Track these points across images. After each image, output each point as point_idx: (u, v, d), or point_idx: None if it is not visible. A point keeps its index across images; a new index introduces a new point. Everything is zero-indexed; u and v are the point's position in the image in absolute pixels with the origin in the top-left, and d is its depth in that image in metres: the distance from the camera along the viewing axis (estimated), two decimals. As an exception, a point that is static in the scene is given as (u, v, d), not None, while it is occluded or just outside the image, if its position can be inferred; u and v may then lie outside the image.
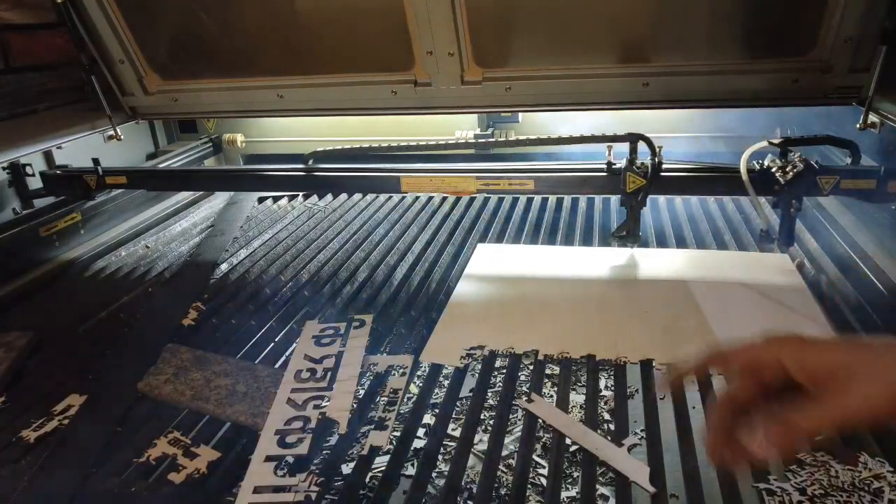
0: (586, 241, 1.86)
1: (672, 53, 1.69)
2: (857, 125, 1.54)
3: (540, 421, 1.07)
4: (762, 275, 1.54)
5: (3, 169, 1.86)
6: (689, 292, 1.48)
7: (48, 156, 2.00)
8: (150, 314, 1.54)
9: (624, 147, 1.61)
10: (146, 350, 1.34)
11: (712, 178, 1.62)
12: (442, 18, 1.68)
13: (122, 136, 2.10)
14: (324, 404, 1.12)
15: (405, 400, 1.15)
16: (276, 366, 1.27)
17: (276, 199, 2.33)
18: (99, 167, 1.94)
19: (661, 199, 2.04)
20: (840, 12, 1.47)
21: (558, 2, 1.63)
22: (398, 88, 1.86)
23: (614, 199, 2.07)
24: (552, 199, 2.11)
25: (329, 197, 2.30)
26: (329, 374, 1.21)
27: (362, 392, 1.17)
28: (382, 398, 1.15)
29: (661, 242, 1.80)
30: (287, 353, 1.32)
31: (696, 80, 1.69)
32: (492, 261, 1.72)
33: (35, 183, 1.94)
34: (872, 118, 1.51)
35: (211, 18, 1.85)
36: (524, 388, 1.17)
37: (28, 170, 1.91)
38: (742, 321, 1.34)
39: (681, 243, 1.79)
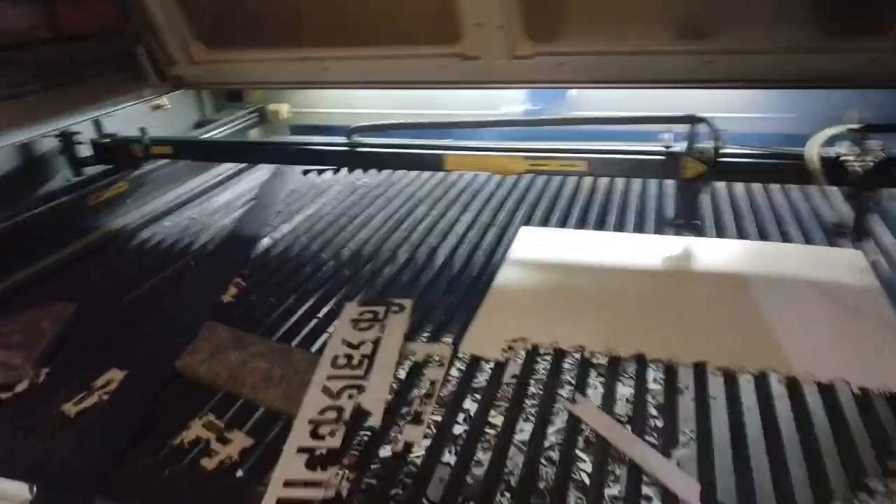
0: (639, 226, 1.76)
1: (738, 29, 1.55)
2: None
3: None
4: (831, 272, 1.42)
5: (56, 137, 1.87)
6: (749, 289, 1.38)
7: (97, 125, 2.01)
8: (191, 288, 1.54)
9: (677, 129, 1.51)
10: (185, 325, 1.34)
11: (779, 167, 1.51)
12: (491, -10, 1.59)
13: (168, 106, 2.09)
14: (359, 394, 1.09)
15: (442, 392, 1.10)
16: (314, 349, 1.25)
17: (320, 171, 2.29)
18: (145, 136, 1.94)
19: (721, 184, 1.92)
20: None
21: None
22: (446, 62, 1.78)
23: (670, 183, 1.95)
24: (603, 180, 2.01)
25: (373, 171, 2.26)
26: (366, 361, 1.17)
27: (399, 382, 1.14)
28: (419, 390, 1.11)
29: (721, 231, 1.69)
30: (324, 337, 1.29)
31: (763, 58, 1.55)
32: (536, 245, 1.65)
33: (85, 151, 1.96)
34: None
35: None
36: (568, 387, 1.11)
37: (78, 138, 1.93)
38: (806, 323, 1.24)
39: (742, 233, 1.67)
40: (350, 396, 1.08)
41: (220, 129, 2.48)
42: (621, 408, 1.06)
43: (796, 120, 2.08)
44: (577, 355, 1.19)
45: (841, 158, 1.42)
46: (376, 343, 1.22)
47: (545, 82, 1.80)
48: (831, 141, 1.47)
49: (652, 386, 1.11)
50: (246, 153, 2.09)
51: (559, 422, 1.03)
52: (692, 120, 1.51)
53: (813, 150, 1.43)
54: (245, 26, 1.95)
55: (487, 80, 1.80)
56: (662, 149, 1.53)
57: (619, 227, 1.76)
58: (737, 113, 2.15)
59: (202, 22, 1.97)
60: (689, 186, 1.50)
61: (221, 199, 2.13)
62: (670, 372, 1.14)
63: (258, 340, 1.26)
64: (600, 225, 1.77)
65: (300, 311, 1.40)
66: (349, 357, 1.18)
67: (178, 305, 1.46)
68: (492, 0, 1.62)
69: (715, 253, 1.55)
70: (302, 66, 1.95)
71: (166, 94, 2.07)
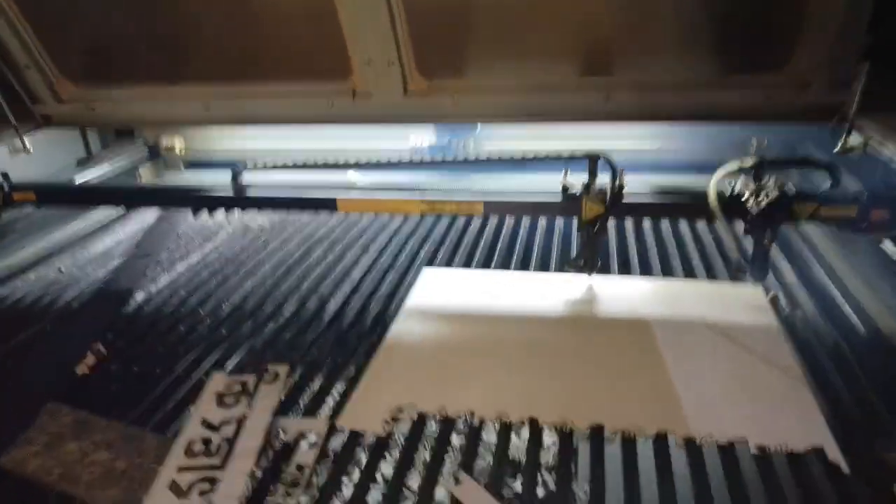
0: (544, 263, 1.69)
1: (637, 65, 1.53)
2: (837, 147, 1.39)
3: (465, 510, 0.91)
4: (731, 311, 1.38)
5: None
6: (651, 335, 1.32)
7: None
8: (41, 359, 1.35)
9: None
10: (24, 408, 1.16)
11: (680, 205, 1.47)
12: (378, 25, 1.50)
13: (31, 150, 1.89)
14: (212, 490, 0.94)
15: (312, 481, 0.98)
16: (170, 432, 1.09)
17: (211, 211, 2.13)
18: (5, 183, 1.74)
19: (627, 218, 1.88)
20: (818, 26, 1.32)
21: (510, 7, 1.46)
22: (336, 99, 1.68)
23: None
24: (509, 217, 1.93)
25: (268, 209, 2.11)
26: (226, 445, 1.03)
27: (262, 470, 1.00)
28: (286, 477, 0.98)
29: (625, 267, 1.64)
30: (187, 415, 1.14)
31: (663, 94, 1.53)
32: (436, 290, 1.55)
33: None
34: (855, 139, 1.36)
35: (127, 21, 1.65)
36: (455, 459, 1.01)
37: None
38: (706, 375, 1.18)
39: (645, 269, 1.63)
40: (202, 493, 0.94)
41: (107, 168, 2.30)
42: (510, 483, 0.96)
43: (706, 149, 2.07)
44: (466, 422, 1.09)
45: (738, 195, 1.39)
46: (241, 422, 1.08)
47: (441, 119, 1.73)
48: (730, 176, 1.44)
49: (545, 455, 1.02)
50: (121, 198, 1.89)
51: (442, 506, 0.93)
52: (593, 158, 1.45)
53: (711, 188, 1.39)
54: (117, 62, 1.80)
55: (381, 116, 1.71)
56: (561, 189, 1.46)
57: (524, 264, 1.68)
58: (647, 141, 2.13)
59: (68, 57, 1.81)
60: (590, 229, 1.43)
61: (99, 246, 1.93)
62: (565, 438, 1.05)
63: (106, 424, 1.10)
64: (505, 263, 1.69)
65: (164, 383, 1.24)
66: (207, 442, 1.04)
67: (20, 383, 1.27)
68: (381, 36, 1.54)
69: (616, 294, 1.49)
70: (183, 104, 1.81)
71: (28, 134, 1.88)
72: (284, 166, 1.70)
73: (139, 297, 1.60)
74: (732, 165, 1.40)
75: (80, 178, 2.17)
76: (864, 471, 0.96)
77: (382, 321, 1.43)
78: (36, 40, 1.72)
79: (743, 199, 1.35)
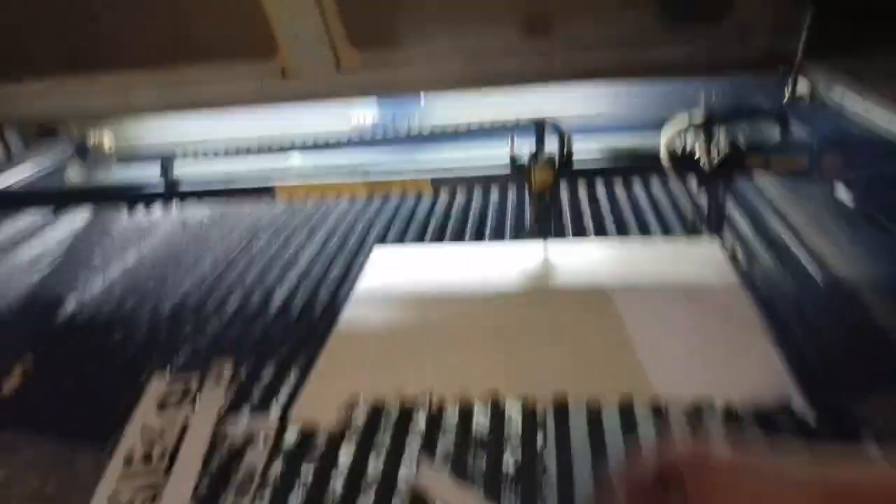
0: (498, 235, 1.64)
1: (578, 23, 1.48)
2: (785, 96, 1.37)
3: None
4: (689, 267, 1.36)
5: None
6: (609, 299, 1.28)
7: None
8: (-38, 380, 1.24)
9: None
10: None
11: (632, 168, 1.43)
12: (300, -5, 1.41)
13: None
14: (155, 501, 0.87)
15: (263, 484, 0.91)
16: (107, 447, 1.01)
17: (148, 206, 2.00)
18: None
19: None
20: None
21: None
22: (264, 80, 1.58)
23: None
24: (460, 191, 1.87)
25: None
26: (169, 453, 0.96)
27: (209, 477, 0.93)
28: (235, 480, 0.91)
29: (579, 232, 1.61)
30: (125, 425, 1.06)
31: (604, 51, 1.48)
32: (387, 270, 1.48)
33: None
34: (802, 87, 1.34)
35: (27, 4, 1.52)
36: (416, 446, 0.96)
37: None
38: (667, 333, 1.16)
39: (601, 233, 1.59)
40: (143, 507, 0.87)
41: (30, 169, 2.14)
42: (473, 463, 0.92)
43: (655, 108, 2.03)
44: (426, 404, 1.04)
45: (690, 152, 1.37)
46: (184, 427, 1.00)
47: (379, 92, 1.65)
48: (680, 132, 1.41)
49: (508, 431, 0.98)
50: (44, 201, 1.76)
51: (404, 498, 0.88)
52: (539, 124, 1.40)
53: (662, 147, 1.37)
54: (19, 53, 1.65)
55: (315, 95, 1.62)
56: (508, 159, 1.41)
57: (478, 236, 1.63)
58: (594, 102, 2.09)
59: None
60: (540, 199, 1.39)
61: (25, 256, 1.80)
62: (528, 411, 1.01)
63: (34, 445, 1.01)
64: (458, 239, 1.64)
65: (99, 396, 1.15)
66: (148, 451, 0.96)
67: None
68: (305, 7, 1.44)
69: (571, 259, 1.45)
70: (100, 95, 1.68)
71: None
72: (216, 154, 1.61)
73: (71, 305, 1.50)
74: (681, 121, 1.37)
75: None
76: (830, 423, 0.94)
77: (333, 307, 1.36)
78: None
79: (694, 156, 1.32)
